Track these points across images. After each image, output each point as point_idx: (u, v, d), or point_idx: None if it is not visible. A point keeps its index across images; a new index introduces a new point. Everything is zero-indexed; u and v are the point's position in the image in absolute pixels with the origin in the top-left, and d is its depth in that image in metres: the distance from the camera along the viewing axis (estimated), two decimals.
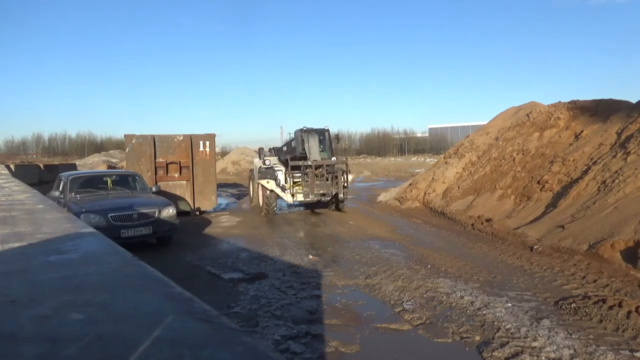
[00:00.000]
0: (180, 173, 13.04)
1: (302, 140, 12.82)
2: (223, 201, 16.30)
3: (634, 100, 12.99)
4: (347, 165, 13.27)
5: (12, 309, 1.49)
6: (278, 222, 12.03)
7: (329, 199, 12.82)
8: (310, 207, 14.18)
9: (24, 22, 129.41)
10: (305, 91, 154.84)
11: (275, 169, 13.13)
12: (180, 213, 10.63)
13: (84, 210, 7.89)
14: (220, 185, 19.07)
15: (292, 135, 14.43)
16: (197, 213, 13.08)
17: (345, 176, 12.83)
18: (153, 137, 12.75)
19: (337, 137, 15.23)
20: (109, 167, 30.11)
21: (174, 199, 10.94)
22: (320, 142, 13.41)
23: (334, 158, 13.42)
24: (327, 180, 12.63)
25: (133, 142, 12.59)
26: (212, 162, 13.69)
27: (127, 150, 12.94)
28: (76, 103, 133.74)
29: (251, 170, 16.12)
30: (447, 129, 75.72)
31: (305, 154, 12.66)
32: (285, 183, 12.81)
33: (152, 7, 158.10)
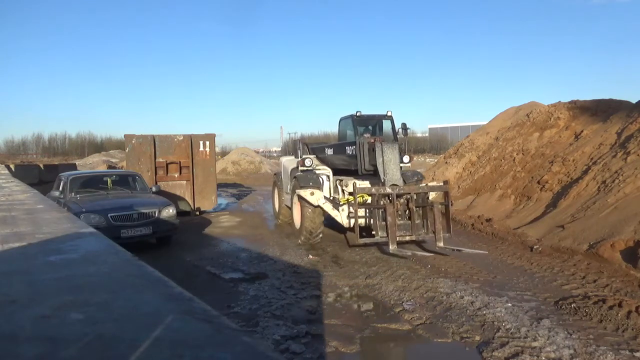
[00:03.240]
0: (180, 173, 13.03)
1: (370, 150, 8.27)
2: (223, 201, 16.29)
3: (634, 100, 12.99)
4: (448, 193, 8.01)
5: (12, 309, 1.49)
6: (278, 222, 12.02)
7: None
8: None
9: (24, 22, 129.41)
10: (305, 91, 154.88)
11: (318, 172, 9.19)
12: (180, 213, 10.63)
13: (84, 210, 7.89)
14: (220, 185, 19.08)
15: (340, 128, 10.52)
16: (197, 213, 13.07)
17: (446, 209, 7.85)
18: (153, 137, 12.74)
19: (405, 128, 9.64)
20: (109, 167, 30.11)
21: (174, 199, 10.93)
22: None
23: (415, 177, 8.98)
24: (417, 217, 7.77)
25: (133, 142, 12.58)
26: (212, 162, 13.67)
27: (127, 150, 12.93)
28: (76, 103, 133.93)
29: (276, 174, 12.16)
30: (447, 129, 75.64)
31: (373, 169, 8.30)
32: (337, 194, 8.89)
33: (152, 7, 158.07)
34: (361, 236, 7.53)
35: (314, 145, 11.47)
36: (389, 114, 9.73)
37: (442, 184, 8.58)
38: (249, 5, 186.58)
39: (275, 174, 12.41)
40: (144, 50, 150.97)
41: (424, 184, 8.69)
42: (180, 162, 12.98)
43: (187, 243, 9.17)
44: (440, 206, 7.82)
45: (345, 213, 8.17)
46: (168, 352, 1.11)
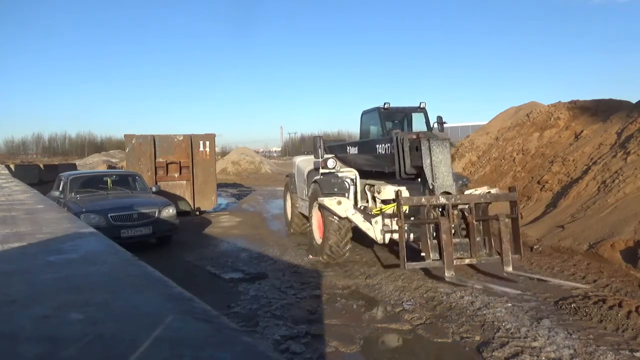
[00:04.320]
0: (180, 173, 13.03)
1: (412, 148, 6.45)
2: (223, 201, 16.29)
3: (634, 100, 12.99)
4: (515, 202, 6.32)
5: (12, 309, 1.49)
6: (278, 221, 12.02)
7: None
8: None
9: (24, 22, 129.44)
10: (306, 91, 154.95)
11: (340, 174, 7.74)
12: (180, 213, 10.63)
13: (84, 210, 7.89)
14: (220, 185, 19.09)
15: (363, 123, 8.88)
16: (197, 213, 13.07)
17: (514, 223, 6.24)
18: (153, 137, 12.74)
19: (442, 123, 8.32)
20: (109, 167, 30.11)
21: (174, 199, 10.93)
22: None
23: (462, 180, 7.58)
24: (477, 234, 6.09)
25: (133, 142, 12.58)
26: (212, 162, 13.68)
27: (127, 150, 12.94)
28: (76, 103, 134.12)
29: (289, 176, 10.37)
30: (447, 129, 75.51)
31: (415, 173, 6.53)
32: (364, 201, 7.59)
33: (152, 7, 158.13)
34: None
35: (331, 143, 9.96)
36: (422, 105, 8.30)
37: (507, 191, 6.70)
38: (249, 5, 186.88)
39: (287, 176, 10.53)
40: (144, 50, 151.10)
41: (482, 190, 7.11)
42: (180, 162, 12.98)
43: (187, 243, 9.17)
44: (506, 220, 6.13)
45: (379, 226, 6.56)
46: (168, 352, 1.11)
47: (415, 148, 6.34)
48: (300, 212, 9.38)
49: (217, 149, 15.97)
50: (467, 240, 6.04)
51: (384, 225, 6.58)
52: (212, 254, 8.20)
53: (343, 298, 5.69)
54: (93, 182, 9.54)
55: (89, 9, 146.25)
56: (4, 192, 6.49)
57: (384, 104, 8.01)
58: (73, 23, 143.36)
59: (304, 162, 9.38)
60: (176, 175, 12.98)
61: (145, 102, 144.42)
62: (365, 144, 8.17)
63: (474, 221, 6.00)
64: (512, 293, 5.43)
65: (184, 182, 13.02)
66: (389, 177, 7.19)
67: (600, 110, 13.34)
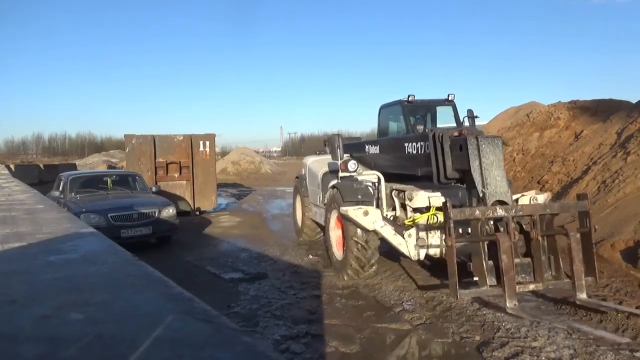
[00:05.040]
0: (180, 173, 13.03)
1: (455, 148, 5.47)
2: (223, 201, 16.29)
3: (634, 100, 13.00)
4: (588, 213, 5.29)
5: (12, 309, 1.49)
6: (278, 222, 12.03)
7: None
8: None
9: (24, 22, 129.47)
10: (306, 91, 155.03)
11: (360, 177, 6.78)
12: (180, 213, 10.63)
13: (84, 210, 7.89)
14: (220, 185, 19.08)
15: (381, 119, 7.93)
16: (197, 213, 13.07)
17: (587, 238, 5.17)
18: (153, 137, 12.74)
19: (473, 117, 7.35)
20: (109, 167, 30.11)
21: (174, 199, 10.93)
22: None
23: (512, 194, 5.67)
24: (542, 252, 5.06)
25: (133, 142, 12.58)
26: (212, 162, 13.67)
27: (127, 150, 12.94)
28: (76, 103, 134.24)
29: (298, 178, 9.41)
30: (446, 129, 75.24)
31: (458, 177, 5.59)
32: (395, 211, 6.49)
33: (152, 7, 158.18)
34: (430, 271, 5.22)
35: (345, 142, 8.61)
36: (450, 97, 7.34)
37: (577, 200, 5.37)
38: (249, 5, 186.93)
39: (297, 178, 9.53)
40: (144, 50, 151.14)
41: (543, 199, 6.16)
42: (180, 162, 12.98)
43: (187, 243, 9.17)
44: (577, 235, 5.05)
45: (413, 240, 5.60)
46: (168, 352, 1.11)
47: (459, 147, 5.28)
48: (313, 219, 8.53)
49: (217, 149, 15.97)
50: (528, 260, 4.97)
51: (418, 238, 5.62)
52: (212, 254, 8.20)
53: (343, 298, 5.69)
54: (93, 182, 9.55)
55: (89, 9, 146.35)
56: (4, 192, 6.49)
57: (408, 96, 6.96)
58: (73, 23, 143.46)
59: (317, 164, 8.41)
60: (176, 175, 12.98)
61: (145, 102, 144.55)
62: (389, 142, 7.16)
63: (539, 237, 4.92)
64: (616, 340, 4.17)
65: (184, 182, 13.02)
66: (418, 181, 6.25)
67: (600, 110, 13.35)
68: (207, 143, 13.32)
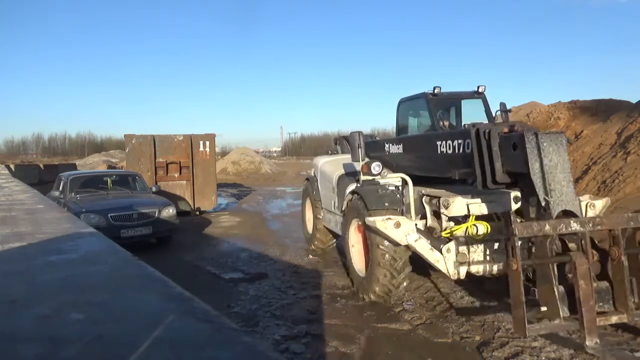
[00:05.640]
0: (180, 173, 13.03)
1: (508, 147, 4.43)
2: (223, 201, 16.29)
3: (634, 100, 12.99)
4: None
5: (12, 309, 1.49)
6: (278, 222, 12.03)
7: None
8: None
9: (24, 22, 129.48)
10: (306, 91, 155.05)
11: (383, 182, 6.02)
12: (180, 213, 10.63)
13: (84, 210, 7.89)
14: (220, 185, 19.08)
15: (401, 115, 7.15)
16: (197, 213, 13.07)
17: None
18: (153, 137, 12.74)
19: (506, 111, 6.79)
20: (109, 167, 30.11)
21: (174, 199, 10.93)
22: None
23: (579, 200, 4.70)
24: (622, 277, 3.95)
25: (133, 142, 12.58)
26: (212, 162, 13.67)
27: (127, 150, 12.94)
28: (76, 103, 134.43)
29: (309, 180, 8.61)
30: None
31: (510, 181, 4.59)
32: (425, 220, 5.58)
33: (152, 7, 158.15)
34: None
35: (371, 138, 8.18)
36: (480, 90, 6.61)
37: None
38: (249, 5, 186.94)
39: (307, 180, 8.73)
40: (144, 50, 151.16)
41: (602, 205, 5.35)
42: (180, 162, 12.98)
43: (187, 243, 9.17)
44: None
45: (453, 256, 4.86)
46: (168, 352, 1.11)
47: (512, 146, 4.37)
48: (325, 226, 7.78)
49: (217, 149, 15.96)
50: (606, 285, 4.04)
51: (458, 254, 4.88)
52: (212, 254, 8.20)
53: (343, 298, 5.69)
54: (93, 182, 9.55)
55: (89, 9, 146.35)
56: (4, 192, 6.49)
57: (434, 88, 6.26)
58: (73, 23, 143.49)
59: (331, 165, 7.63)
60: (176, 175, 12.98)
61: (145, 102, 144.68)
62: (416, 140, 6.30)
63: (622, 256, 4.00)
64: None
65: (184, 182, 13.02)
66: (447, 184, 5.55)
67: (600, 110, 13.34)
68: (207, 143, 13.32)
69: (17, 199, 5.32)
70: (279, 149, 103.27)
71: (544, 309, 3.96)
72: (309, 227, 8.54)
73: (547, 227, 3.93)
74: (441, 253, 4.86)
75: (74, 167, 19.52)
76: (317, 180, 8.12)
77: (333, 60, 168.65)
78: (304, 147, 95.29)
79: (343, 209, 6.49)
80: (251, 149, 42.20)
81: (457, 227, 5.12)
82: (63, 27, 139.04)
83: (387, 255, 5.20)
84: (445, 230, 5.19)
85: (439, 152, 5.37)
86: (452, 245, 4.89)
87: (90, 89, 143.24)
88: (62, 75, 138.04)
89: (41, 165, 18.13)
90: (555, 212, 4.08)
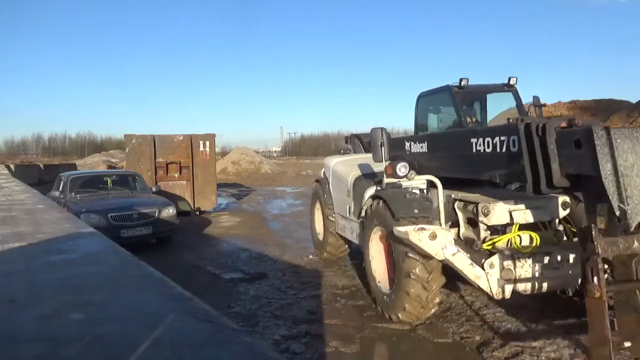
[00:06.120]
0: (180, 173, 13.03)
1: (566, 144, 3.62)
2: (223, 201, 16.29)
3: (634, 100, 13.01)
4: None
5: (12, 309, 1.49)
6: (278, 222, 12.03)
7: None
8: None
9: (24, 22, 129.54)
10: (306, 91, 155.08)
11: (405, 184, 5.44)
12: (180, 213, 10.63)
13: (84, 210, 7.89)
14: (220, 185, 19.08)
15: (420, 110, 6.53)
16: (197, 213, 13.07)
17: None
18: (153, 137, 12.74)
19: (540, 105, 6.39)
20: (109, 167, 30.10)
21: (174, 199, 10.93)
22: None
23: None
24: None
25: (133, 142, 12.58)
26: (212, 162, 13.68)
27: (127, 150, 12.94)
28: (76, 103, 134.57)
29: (319, 182, 7.94)
30: None
31: (565, 185, 3.75)
32: (458, 228, 5.00)
33: (152, 7, 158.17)
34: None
35: (369, 138, 7.51)
36: (511, 82, 6.05)
37: None
38: (249, 5, 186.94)
39: (317, 181, 8.09)
40: (144, 50, 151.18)
41: None
42: (180, 162, 12.99)
43: (187, 243, 9.17)
44: None
45: (497, 272, 4.26)
46: (168, 352, 1.11)
47: (574, 144, 3.66)
48: (338, 233, 7.08)
49: (217, 149, 15.96)
50: None
51: (502, 270, 4.27)
52: (212, 254, 8.20)
53: (343, 298, 5.69)
54: (93, 182, 9.56)
55: (89, 9, 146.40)
56: (4, 192, 6.49)
57: (460, 80, 5.73)
58: (73, 23, 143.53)
59: (345, 166, 6.98)
60: (176, 175, 12.99)
61: (145, 102, 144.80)
62: (445, 137, 5.59)
63: None
64: None
65: (184, 182, 13.02)
66: (476, 186, 5.03)
67: (600, 110, 13.37)
68: (207, 143, 13.33)
69: (17, 199, 5.32)
70: (279, 149, 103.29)
71: (627, 344, 3.46)
72: (319, 233, 7.85)
73: (637, 243, 3.38)
74: (483, 269, 4.25)
75: (74, 167, 19.53)
76: (328, 182, 7.46)
77: (333, 60, 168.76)
78: (304, 147, 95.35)
79: (362, 215, 5.79)
80: (251, 149, 42.19)
81: (499, 237, 4.50)
82: (63, 27, 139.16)
83: (417, 267, 4.51)
84: (485, 241, 4.53)
85: (474, 150, 4.56)
86: (495, 259, 4.26)
87: (90, 89, 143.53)
88: (62, 75, 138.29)
89: (41, 165, 18.14)
90: (635, 223, 3.42)
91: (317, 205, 8.02)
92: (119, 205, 8.31)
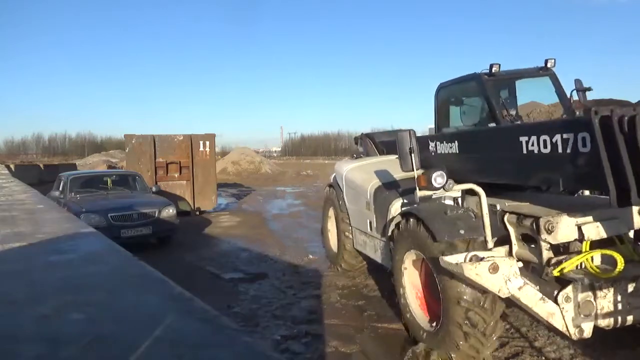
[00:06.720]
0: (180, 173, 13.04)
1: None
2: (223, 201, 16.29)
3: (634, 100, 12.99)
4: None
5: (12, 309, 1.49)
6: (278, 222, 12.03)
7: None
8: None
9: (24, 22, 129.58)
10: (305, 91, 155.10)
11: (436, 195, 4.57)
12: (180, 213, 10.63)
13: (84, 210, 7.89)
14: (220, 185, 19.08)
15: (440, 102, 5.77)
16: (197, 213, 13.07)
17: None
18: (153, 137, 12.74)
19: (584, 90, 5.65)
20: (109, 167, 30.10)
21: (174, 199, 10.93)
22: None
23: None
24: None
25: (133, 142, 12.59)
26: (212, 162, 13.68)
27: (127, 150, 12.95)
28: (76, 103, 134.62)
29: (332, 187, 7.04)
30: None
31: None
32: (514, 251, 3.95)
33: (152, 7, 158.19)
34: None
35: (383, 138, 7.04)
36: (549, 64, 5.39)
37: None
38: (249, 5, 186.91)
39: (329, 186, 7.19)
40: (144, 50, 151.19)
41: None
42: (180, 162, 12.99)
43: (187, 243, 9.17)
44: None
45: (573, 307, 3.44)
46: (168, 352, 1.11)
47: None
48: (357, 248, 6.29)
49: (217, 149, 15.96)
50: None
51: (580, 303, 3.44)
52: (212, 254, 8.20)
53: (343, 298, 5.69)
54: (93, 182, 9.56)
55: (89, 9, 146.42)
56: (4, 192, 6.49)
57: (491, 66, 4.99)
58: (73, 23, 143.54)
59: (361, 172, 6.13)
60: (176, 175, 12.99)
61: (145, 102, 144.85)
62: (482, 136, 4.72)
63: None
64: None
65: (184, 182, 13.02)
66: (512, 190, 4.39)
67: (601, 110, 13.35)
68: (207, 143, 13.33)
69: (17, 199, 5.32)
70: (279, 149, 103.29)
71: None
72: (333, 244, 7.05)
73: None
74: (557, 303, 3.44)
75: (74, 167, 19.54)
76: (342, 190, 6.55)
77: (333, 60, 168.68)
78: (304, 147, 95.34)
79: (389, 234, 4.86)
80: (251, 149, 42.21)
81: (571, 260, 3.54)
82: (63, 26, 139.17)
83: (471, 313, 3.64)
84: (550, 264, 3.59)
85: (524, 151, 3.75)
86: (570, 291, 3.43)
87: (90, 89, 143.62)
88: (62, 75, 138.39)
89: (41, 165, 18.14)
90: None
91: (331, 213, 7.14)
92: (119, 205, 8.32)
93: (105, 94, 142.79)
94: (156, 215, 8.40)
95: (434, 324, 4.07)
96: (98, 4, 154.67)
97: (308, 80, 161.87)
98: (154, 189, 10.02)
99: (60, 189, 9.10)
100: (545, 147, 3.56)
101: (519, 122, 4.84)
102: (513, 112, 5.07)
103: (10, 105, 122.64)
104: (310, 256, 7.85)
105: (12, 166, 17.18)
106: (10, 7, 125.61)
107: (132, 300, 1.58)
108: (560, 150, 3.41)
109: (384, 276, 6.50)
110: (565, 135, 3.39)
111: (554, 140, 3.47)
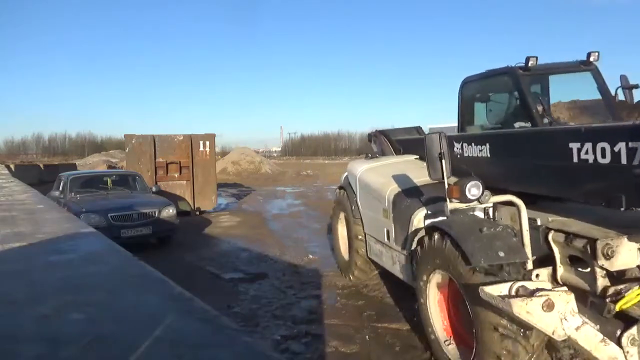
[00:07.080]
0: (180, 173, 13.04)
1: None
2: (223, 201, 16.29)
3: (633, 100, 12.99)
4: None
5: (12, 309, 1.49)
6: (278, 222, 12.03)
7: None
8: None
9: (24, 22, 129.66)
10: (305, 91, 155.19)
11: (476, 207, 3.94)
12: (180, 213, 10.63)
13: (84, 210, 7.89)
14: (220, 185, 19.09)
15: (465, 99, 5.07)
16: (197, 213, 13.08)
17: None
18: (153, 137, 12.75)
19: (630, 87, 5.23)
20: (109, 167, 30.10)
21: (174, 199, 10.93)
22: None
23: None
24: None
25: (133, 142, 12.59)
26: (212, 162, 13.69)
27: (127, 150, 12.95)
28: (76, 103, 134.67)
29: (344, 189, 6.47)
30: (447, 129, 75.33)
31: None
32: (559, 274, 3.41)
33: (152, 7, 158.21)
34: None
35: (398, 135, 6.52)
36: (592, 58, 4.85)
37: None
38: (249, 5, 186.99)
39: (340, 188, 6.65)
40: (144, 50, 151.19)
41: None
42: (180, 162, 13.00)
43: (187, 243, 9.17)
44: None
45: (638, 352, 3.04)
46: (168, 352, 1.11)
47: None
48: (371, 257, 5.82)
49: (217, 149, 15.97)
50: None
51: None
52: (212, 254, 8.20)
53: (343, 298, 5.69)
54: (93, 182, 9.56)
55: (89, 9, 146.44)
56: (4, 192, 6.50)
57: (527, 59, 4.39)
58: (73, 23, 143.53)
59: (377, 175, 5.60)
60: (176, 175, 12.99)
61: (145, 102, 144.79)
62: (521, 139, 4.13)
63: None
64: None
65: (184, 182, 13.03)
66: (554, 203, 3.88)
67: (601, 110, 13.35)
68: (207, 143, 13.34)
69: (17, 199, 5.32)
70: (279, 149, 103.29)
71: None
72: (344, 252, 6.56)
73: None
74: (620, 346, 3.00)
75: (74, 167, 19.55)
76: (356, 194, 6.02)
77: (333, 60, 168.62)
78: (304, 147, 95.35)
79: (412, 249, 4.34)
80: (251, 149, 42.21)
81: (634, 291, 3.01)
82: (63, 26, 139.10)
83: (511, 345, 3.13)
84: (609, 296, 3.05)
85: (575, 159, 3.21)
86: (636, 331, 3.00)
87: (90, 89, 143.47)
88: (62, 75, 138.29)
89: (41, 165, 18.15)
90: None
91: (341, 216, 6.61)
92: (119, 205, 8.32)
93: (105, 94, 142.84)
94: (156, 215, 8.41)
95: (468, 352, 3.50)
96: (98, 4, 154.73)
97: (308, 80, 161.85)
98: (154, 189, 10.02)
99: (60, 189, 9.11)
100: (603, 156, 2.99)
101: (568, 125, 4.20)
102: (548, 111, 4.48)
103: (10, 105, 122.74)
104: (310, 256, 7.85)
105: (12, 166, 17.19)
106: (10, 7, 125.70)
107: (132, 300, 1.58)
108: (624, 161, 2.84)
109: (384, 276, 6.50)
110: (632, 144, 2.80)
111: (616, 149, 2.90)
